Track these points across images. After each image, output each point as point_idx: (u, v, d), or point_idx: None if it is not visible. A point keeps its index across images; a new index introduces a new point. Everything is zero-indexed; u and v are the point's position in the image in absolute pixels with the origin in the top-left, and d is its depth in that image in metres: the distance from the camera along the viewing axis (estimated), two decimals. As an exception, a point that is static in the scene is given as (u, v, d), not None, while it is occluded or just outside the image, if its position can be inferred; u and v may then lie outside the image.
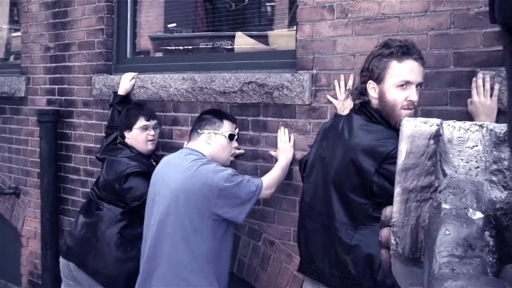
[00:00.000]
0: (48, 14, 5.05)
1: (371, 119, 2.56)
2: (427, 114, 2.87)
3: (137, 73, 4.26)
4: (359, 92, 2.62)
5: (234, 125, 3.45)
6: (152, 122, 3.82)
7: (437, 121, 0.72)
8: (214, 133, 3.28)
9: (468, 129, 0.72)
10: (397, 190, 0.72)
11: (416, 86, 2.50)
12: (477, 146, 0.71)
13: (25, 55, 5.31)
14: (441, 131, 0.72)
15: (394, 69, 2.48)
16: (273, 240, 3.57)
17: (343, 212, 2.54)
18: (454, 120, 0.74)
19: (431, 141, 0.70)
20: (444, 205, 0.67)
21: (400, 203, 0.72)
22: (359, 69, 2.73)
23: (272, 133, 3.53)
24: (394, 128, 2.51)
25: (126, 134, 3.80)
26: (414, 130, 0.71)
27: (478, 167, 0.71)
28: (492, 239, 0.61)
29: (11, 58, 6.39)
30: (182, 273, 3.04)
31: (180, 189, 3.05)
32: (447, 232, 0.62)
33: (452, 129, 0.72)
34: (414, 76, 2.48)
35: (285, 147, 3.41)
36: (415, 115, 2.58)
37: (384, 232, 0.75)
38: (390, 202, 2.40)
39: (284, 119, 3.48)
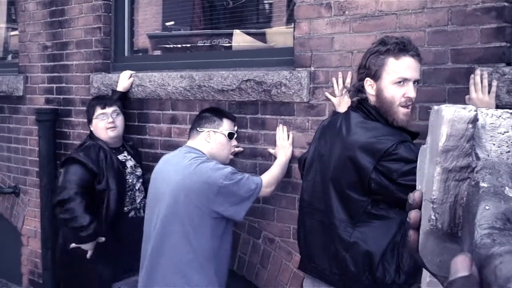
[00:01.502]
0: (45, 13, 5.04)
1: (368, 116, 2.56)
2: (425, 111, 2.87)
3: (135, 72, 4.26)
4: (357, 89, 2.63)
5: (234, 124, 3.47)
6: (109, 109, 3.85)
7: (473, 107, 0.76)
8: (214, 131, 3.28)
9: (500, 116, 0.77)
10: (437, 170, 0.76)
11: (414, 83, 2.50)
12: (508, 132, 0.76)
13: (23, 54, 5.31)
14: (477, 116, 0.76)
15: (391, 66, 2.48)
16: (273, 238, 3.57)
17: (341, 210, 2.55)
18: (487, 107, 0.79)
19: (470, 125, 0.75)
20: (482, 184, 0.72)
21: (440, 182, 0.76)
22: (357, 66, 2.73)
23: (270, 130, 3.54)
24: (392, 125, 2.51)
25: (91, 127, 3.88)
26: (454, 114, 0.75)
27: (509, 151, 0.76)
28: None
29: (9, 57, 6.39)
30: (183, 270, 3.05)
31: (179, 187, 3.06)
32: (487, 208, 0.66)
33: (485, 115, 0.76)
34: (411, 73, 2.49)
35: (283, 145, 3.41)
36: (412, 111, 2.58)
37: (413, 214, 0.79)
38: (388, 199, 2.38)
39: (282, 117, 3.48)
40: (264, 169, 3.43)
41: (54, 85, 4.99)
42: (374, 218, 2.48)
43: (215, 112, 3.40)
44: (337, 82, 3.21)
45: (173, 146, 3.95)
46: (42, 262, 5.04)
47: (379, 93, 2.53)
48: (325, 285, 2.67)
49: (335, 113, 3.02)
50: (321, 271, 2.67)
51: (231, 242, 3.27)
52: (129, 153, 3.93)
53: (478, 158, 0.75)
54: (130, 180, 3.82)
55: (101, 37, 4.58)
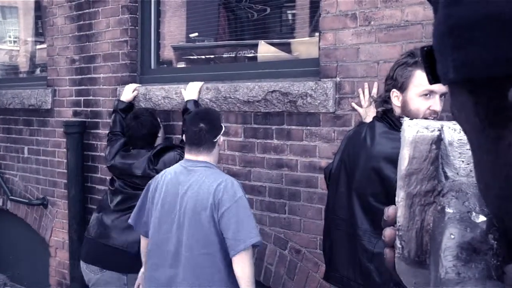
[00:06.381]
0: (73, 27, 5.12)
1: (393, 127, 2.55)
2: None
3: (140, 85, 4.35)
4: (383, 100, 2.62)
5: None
6: None
7: (438, 125, 0.72)
8: None
9: None
10: (401, 195, 0.73)
11: (440, 96, 2.48)
12: None
13: (51, 68, 5.39)
14: (442, 135, 0.72)
15: (418, 78, 2.46)
16: (299, 249, 3.56)
17: (365, 220, 2.53)
18: (454, 123, 0.72)
19: (433, 146, 0.71)
20: (447, 209, 0.67)
21: (405, 207, 0.73)
22: (383, 76, 2.73)
23: (296, 141, 3.54)
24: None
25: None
26: (416, 136, 0.71)
27: None
28: (495, 242, 0.61)
29: (37, 70, 6.48)
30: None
31: None
32: (452, 236, 0.62)
33: (452, 132, 0.73)
34: (438, 86, 2.46)
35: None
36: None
37: (387, 231, 0.76)
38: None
39: (308, 127, 3.48)
40: (289, 180, 3.43)
41: (82, 98, 5.05)
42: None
43: None
44: (363, 92, 3.20)
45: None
46: (70, 273, 5.09)
47: (404, 105, 2.51)
48: (351, 296, 2.66)
49: (360, 123, 3.02)
50: (346, 281, 2.66)
51: None
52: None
53: (446, 177, 0.71)
54: None
55: (128, 50, 4.63)
